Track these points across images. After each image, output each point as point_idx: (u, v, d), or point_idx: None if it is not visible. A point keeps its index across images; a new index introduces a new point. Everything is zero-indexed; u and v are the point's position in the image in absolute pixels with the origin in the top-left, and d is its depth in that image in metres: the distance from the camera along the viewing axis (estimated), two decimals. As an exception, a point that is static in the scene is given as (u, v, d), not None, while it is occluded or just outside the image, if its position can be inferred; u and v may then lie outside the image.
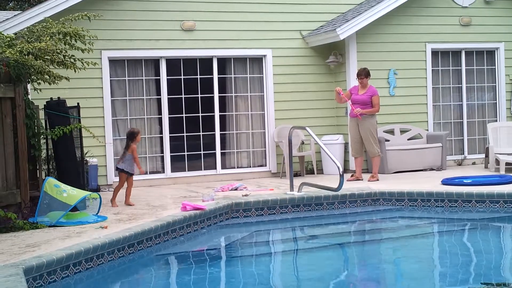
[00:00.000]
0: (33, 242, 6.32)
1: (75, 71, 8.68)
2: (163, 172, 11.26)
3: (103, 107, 10.80)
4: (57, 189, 7.53)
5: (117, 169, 8.98)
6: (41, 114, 8.93)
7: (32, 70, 7.85)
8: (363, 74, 10.44)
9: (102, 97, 10.80)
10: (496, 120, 12.66)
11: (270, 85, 11.75)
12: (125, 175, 8.81)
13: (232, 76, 11.72)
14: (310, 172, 11.65)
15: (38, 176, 8.43)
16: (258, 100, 11.89)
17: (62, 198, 7.43)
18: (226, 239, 8.00)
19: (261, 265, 6.88)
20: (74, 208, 7.63)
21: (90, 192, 8.17)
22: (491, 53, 12.73)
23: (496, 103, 12.78)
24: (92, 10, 9.98)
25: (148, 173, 11.21)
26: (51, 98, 8.92)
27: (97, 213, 7.79)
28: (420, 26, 12.07)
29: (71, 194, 7.55)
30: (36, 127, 8.31)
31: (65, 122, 8.64)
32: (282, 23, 11.80)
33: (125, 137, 9.28)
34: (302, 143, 11.76)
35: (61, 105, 8.81)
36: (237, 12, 11.53)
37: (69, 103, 9.07)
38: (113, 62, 10.96)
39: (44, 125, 8.85)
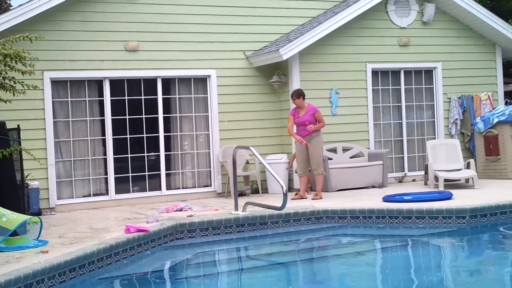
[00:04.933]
0: (-29, 269, 6.16)
1: (14, 94, 8.57)
2: (107, 194, 11.14)
3: (45, 128, 10.65)
4: (-4, 213, 7.37)
5: None
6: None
7: (-30, 92, 7.71)
8: (294, 95, 10.60)
9: (44, 119, 10.65)
10: (435, 138, 13.03)
11: (214, 105, 11.82)
12: None
13: (177, 96, 11.74)
14: (255, 191, 11.72)
15: (-24, 200, 8.23)
16: (202, 120, 11.93)
17: (1, 223, 7.25)
18: (171, 260, 7.95)
19: (207, 286, 6.88)
20: (14, 233, 7.46)
21: (31, 216, 8.02)
22: (429, 72, 13.14)
23: (434, 121, 13.17)
24: (34, 30, 9.90)
25: (91, 195, 11.09)
26: (-10, 121, 8.76)
27: (37, 238, 7.66)
28: (360, 46, 12.38)
29: (10, 218, 7.38)
30: (-26, 150, 8.14)
31: (4, 144, 8.47)
32: (226, 43, 11.91)
33: None
34: (247, 162, 11.85)
35: (0, 127, 8.64)
36: (181, 33, 11.58)
37: (9, 125, 8.91)
38: (55, 83, 10.84)
39: (-18, 148, 8.66)
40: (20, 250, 7.02)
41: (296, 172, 11.17)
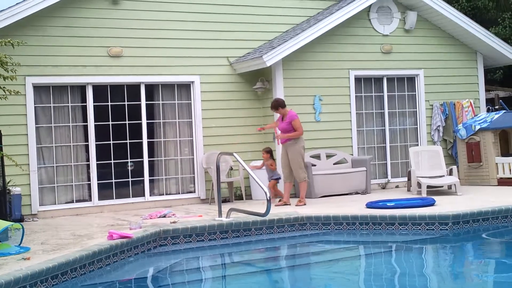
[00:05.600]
0: (-49, 276, 6.09)
1: (-4, 99, 8.51)
2: (90, 200, 11.07)
3: (27, 134, 10.56)
4: (-23, 220, 7.30)
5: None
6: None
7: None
8: (272, 107, 10.72)
9: (26, 124, 10.56)
10: (417, 144, 13.11)
11: (198, 111, 11.80)
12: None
13: (160, 102, 11.71)
14: (239, 197, 11.71)
15: (-43, 207, 8.15)
16: (186, 126, 11.91)
17: (-18, 230, 7.20)
18: (154, 267, 7.92)
19: (189, 293, 6.87)
20: (-5, 240, 7.42)
21: (12, 223, 7.95)
22: (411, 79, 13.24)
23: (417, 127, 13.26)
24: (17, 35, 9.84)
25: (74, 201, 11.01)
26: (-28, 126, 8.68)
27: (19, 244, 7.59)
28: (343, 53, 12.45)
29: (-8, 225, 7.33)
30: (-45, 156, 8.06)
31: (-14, 150, 8.40)
32: (209, 49, 11.91)
33: None
34: (231, 168, 11.84)
35: (-18, 133, 8.58)
36: (164, 39, 11.57)
37: (-9, 131, 8.85)
38: (37, 88, 10.76)
39: (-36, 154, 8.59)
40: (1, 257, 6.95)
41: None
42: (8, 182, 9.78)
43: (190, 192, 11.83)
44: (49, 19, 10.74)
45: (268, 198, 8.39)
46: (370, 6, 12.58)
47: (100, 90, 11.22)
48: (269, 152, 11.12)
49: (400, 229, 8.90)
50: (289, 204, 10.55)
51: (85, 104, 11.09)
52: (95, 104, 11.14)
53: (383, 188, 12.74)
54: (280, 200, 10.73)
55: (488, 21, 19.16)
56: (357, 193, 11.90)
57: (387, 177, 12.93)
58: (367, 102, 12.87)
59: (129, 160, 11.36)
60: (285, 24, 12.63)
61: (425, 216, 8.84)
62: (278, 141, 10.84)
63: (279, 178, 11.08)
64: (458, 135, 12.78)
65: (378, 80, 12.96)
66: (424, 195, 10.88)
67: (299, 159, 10.55)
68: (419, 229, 8.82)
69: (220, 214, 9.19)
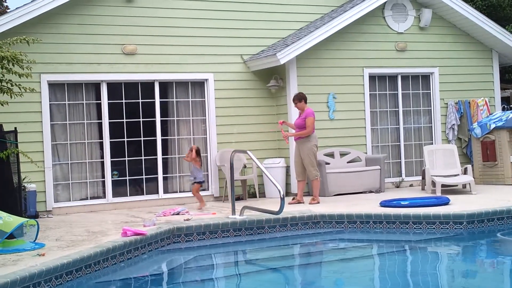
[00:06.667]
0: (-33, 272, 6.13)
1: (11, 96, 8.56)
2: (104, 197, 11.12)
3: (42, 131, 10.63)
4: (-8, 216, 7.35)
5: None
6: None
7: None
8: (296, 98, 10.68)
9: (41, 122, 10.63)
10: (432, 143, 13.04)
11: (212, 109, 11.81)
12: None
13: (174, 100, 11.74)
14: (253, 195, 11.71)
15: (-27, 203, 8.21)
16: (200, 124, 11.92)
17: (-3, 226, 7.25)
18: (168, 264, 7.95)
19: (203, 290, 6.87)
20: (11, 236, 7.45)
21: (27, 219, 8.00)
22: (426, 77, 13.17)
23: (431, 126, 13.19)
24: (31, 33, 9.86)
25: (88, 198, 11.06)
26: (-13, 123, 8.74)
27: (34, 240, 7.63)
28: (357, 51, 12.40)
29: (7, 221, 7.37)
30: (-29, 153, 8.11)
31: (1, 147, 8.45)
32: (223, 47, 11.92)
33: None
34: (245, 166, 11.84)
35: (-3, 130, 8.63)
36: (178, 37, 11.58)
37: (6, 128, 8.89)
38: (52, 86, 10.82)
39: (-21, 150, 8.64)
40: (17, 253, 7.00)
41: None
42: (24, 179, 9.84)
43: (204, 189, 11.83)
44: (63, 17, 10.80)
45: (282, 196, 8.38)
46: (384, 3, 12.52)
47: (114, 88, 11.26)
48: (197, 151, 10.51)
49: (414, 228, 8.86)
50: (303, 202, 10.53)
51: (99, 101, 11.14)
52: (109, 101, 11.18)
53: (397, 186, 12.69)
54: (293, 198, 10.71)
55: (503, 18, 19.02)
56: (371, 191, 11.86)
57: (401, 176, 12.87)
58: (381, 100, 12.81)
59: (142, 155, 11.40)
60: (299, 22, 12.61)
61: (439, 215, 8.79)
62: (286, 140, 10.86)
63: (203, 181, 10.73)
64: (473, 133, 12.69)
65: (393, 78, 12.90)
66: (438, 194, 10.82)
67: (311, 157, 10.53)
68: (434, 228, 8.77)
69: (233, 212, 9.19)
